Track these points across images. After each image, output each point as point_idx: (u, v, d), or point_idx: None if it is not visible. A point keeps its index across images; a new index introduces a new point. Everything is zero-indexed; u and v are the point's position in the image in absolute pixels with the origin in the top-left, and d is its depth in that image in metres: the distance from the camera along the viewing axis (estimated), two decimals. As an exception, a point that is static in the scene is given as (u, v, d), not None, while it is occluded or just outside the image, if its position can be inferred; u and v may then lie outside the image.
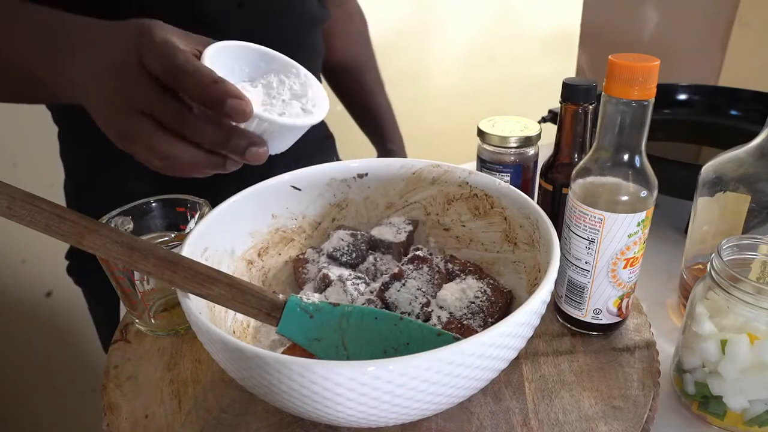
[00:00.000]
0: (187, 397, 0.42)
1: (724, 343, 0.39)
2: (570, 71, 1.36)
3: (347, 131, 0.90)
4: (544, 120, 0.78)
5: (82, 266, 0.73)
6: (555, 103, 0.78)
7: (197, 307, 0.35)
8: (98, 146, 0.64)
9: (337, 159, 0.84)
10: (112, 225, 0.47)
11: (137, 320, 0.48)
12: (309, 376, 0.29)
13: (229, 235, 0.46)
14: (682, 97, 0.86)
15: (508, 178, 0.55)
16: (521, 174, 0.55)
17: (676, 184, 0.54)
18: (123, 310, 0.54)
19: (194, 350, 0.46)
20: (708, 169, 0.49)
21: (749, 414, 0.39)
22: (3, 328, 1.15)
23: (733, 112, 0.84)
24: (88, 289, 0.75)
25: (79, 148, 0.67)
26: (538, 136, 0.55)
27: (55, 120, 0.66)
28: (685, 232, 0.54)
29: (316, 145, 0.81)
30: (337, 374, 0.29)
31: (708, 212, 0.50)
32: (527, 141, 0.54)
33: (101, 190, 0.67)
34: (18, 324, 1.16)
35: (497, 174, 0.55)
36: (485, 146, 0.56)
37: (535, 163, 0.56)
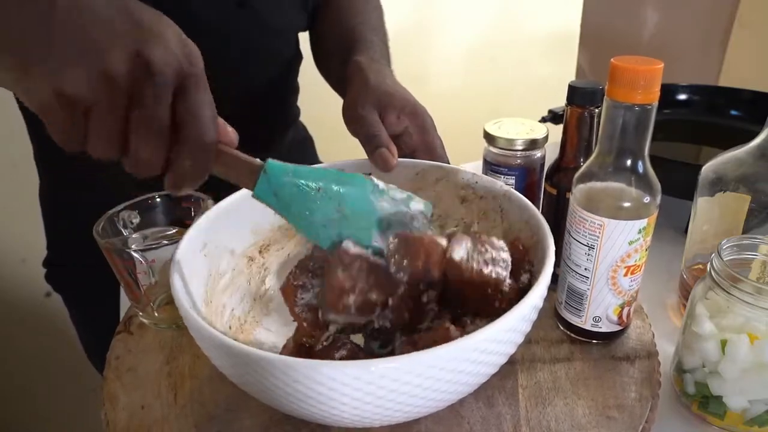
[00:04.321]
0: (183, 391, 0.42)
1: (724, 343, 0.39)
2: (570, 72, 1.36)
3: (326, 133, 0.89)
4: (543, 120, 0.78)
5: (60, 273, 0.73)
6: (556, 103, 0.78)
7: (192, 304, 0.35)
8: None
9: (317, 161, 0.84)
10: (118, 219, 0.48)
11: (140, 313, 0.49)
12: (293, 375, 0.30)
13: (230, 231, 0.46)
14: (682, 97, 0.87)
15: (513, 181, 0.55)
16: (526, 177, 0.55)
17: (676, 184, 0.54)
18: (123, 305, 0.54)
19: (194, 344, 0.45)
20: (708, 169, 0.49)
21: (749, 414, 0.40)
22: (3, 328, 1.15)
23: (733, 112, 0.84)
24: (67, 296, 0.75)
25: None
26: (545, 138, 0.54)
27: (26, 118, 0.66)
28: (685, 232, 0.54)
29: (295, 147, 0.81)
30: (319, 374, 0.29)
31: (708, 212, 0.50)
32: (533, 144, 0.54)
33: (78, 192, 0.67)
34: (18, 324, 1.16)
35: (502, 177, 0.55)
36: (491, 148, 0.55)
37: (542, 166, 0.55)
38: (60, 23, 0.29)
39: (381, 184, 0.40)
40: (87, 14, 0.29)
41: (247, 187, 0.36)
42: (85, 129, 0.30)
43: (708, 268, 0.40)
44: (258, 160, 0.36)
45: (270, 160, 0.36)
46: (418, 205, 0.41)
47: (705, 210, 0.50)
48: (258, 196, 0.36)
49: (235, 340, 0.32)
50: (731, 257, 0.41)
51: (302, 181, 0.37)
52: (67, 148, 0.31)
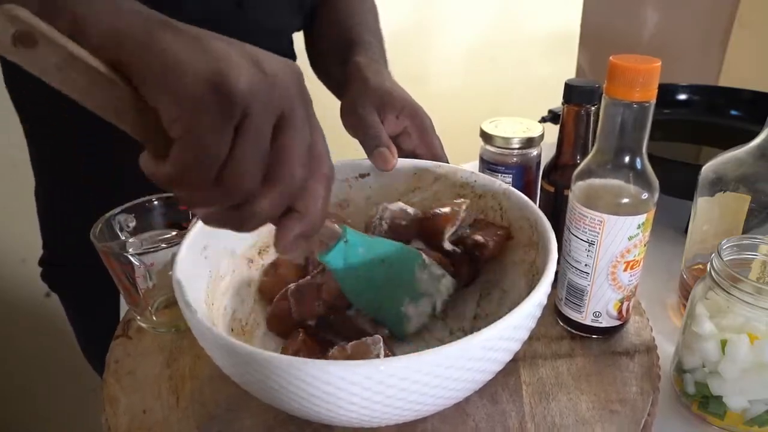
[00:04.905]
0: (184, 393, 0.42)
1: (724, 343, 0.39)
2: (570, 72, 1.36)
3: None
4: (543, 120, 0.79)
5: (58, 273, 0.73)
6: (555, 103, 0.78)
7: (195, 306, 0.35)
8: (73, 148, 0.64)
9: None
10: (115, 222, 0.48)
11: (139, 317, 0.49)
12: (300, 376, 0.30)
13: (229, 233, 0.46)
14: (682, 97, 0.87)
15: (510, 179, 0.55)
16: (523, 175, 0.55)
17: (676, 184, 0.54)
18: (123, 307, 0.54)
19: (194, 346, 0.46)
20: (708, 169, 0.49)
21: (749, 414, 0.40)
22: (3, 328, 1.15)
23: (733, 112, 0.84)
24: (64, 296, 0.75)
25: (54, 151, 0.66)
26: (541, 137, 0.54)
27: (22, 120, 0.66)
28: (685, 232, 0.54)
29: None
30: (327, 374, 0.29)
31: (708, 212, 0.50)
32: (530, 142, 0.54)
33: (73, 197, 0.67)
34: (18, 324, 1.16)
35: (499, 175, 0.55)
36: (488, 147, 0.55)
37: (538, 164, 0.56)
38: (206, 40, 0.27)
39: (427, 260, 0.44)
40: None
41: (317, 251, 0.38)
42: (231, 141, 0.26)
43: (708, 268, 0.40)
44: (336, 225, 0.38)
45: (348, 228, 0.38)
46: (447, 282, 0.45)
47: (705, 210, 0.50)
48: (328, 261, 0.38)
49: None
50: (731, 257, 0.41)
51: (373, 254, 0.40)
52: (204, 167, 0.26)
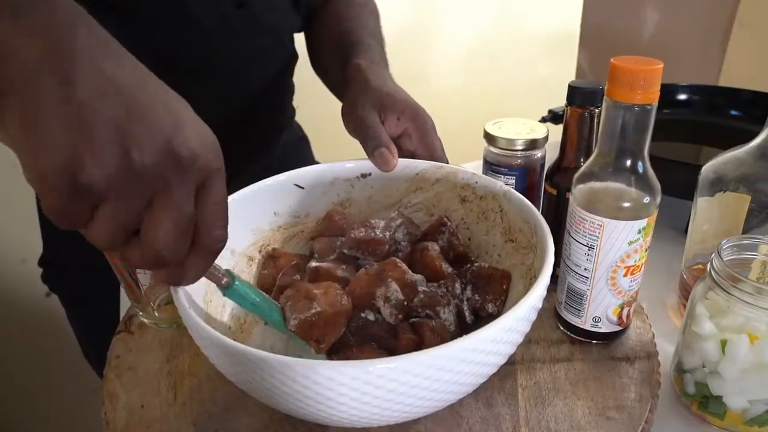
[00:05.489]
0: (182, 390, 0.42)
1: (724, 343, 0.39)
2: (570, 72, 1.36)
3: (323, 133, 0.89)
4: (543, 120, 0.78)
5: (59, 273, 0.73)
6: (555, 103, 0.78)
7: (192, 303, 0.35)
8: None
9: (313, 161, 0.84)
10: None
11: (140, 313, 0.49)
12: (290, 375, 0.30)
13: (229, 231, 0.46)
14: (682, 97, 0.87)
15: (514, 181, 0.55)
16: (527, 177, 0.55)
17: (676, 184, 0.54)
18: (123, 304, 0.54)
19: (193, 344, 0.46)
20: (708, 169, 0.49)
21: (749, 414, 0.40)
22: (3, 328, 1.15)
23: (733, 112, 0.84)
24: (64, 296, 0.75)
25: None
26: (545, 138, 0.54)
27: None
28: (685, 232, 0.54)
29: (290, 147, 0.81)
30: (316, 374, 0.29)
31: (708, 212, 0.50)
32: (533, 144, 0.53)
33: None
34: (18, 324, 1.16)
35: (503, 177, 0.55)
36: (491, 148, 0.55)
37: (542, 166, 0.55)
38: (87, 106, 0.25)
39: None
40: (117, 98, 0.26)
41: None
42: (89, 216, 0.27)
43: (708, 268, 0.40)
44: (225, 276, 0.38)
45: (236, 283, 0.38)
46: None
47: (705, 210, 0.50)
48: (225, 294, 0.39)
49: (234, 339, 0.32)
50: (731, 257, 0.41)
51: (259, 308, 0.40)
52: (61, 227, 0.27)
